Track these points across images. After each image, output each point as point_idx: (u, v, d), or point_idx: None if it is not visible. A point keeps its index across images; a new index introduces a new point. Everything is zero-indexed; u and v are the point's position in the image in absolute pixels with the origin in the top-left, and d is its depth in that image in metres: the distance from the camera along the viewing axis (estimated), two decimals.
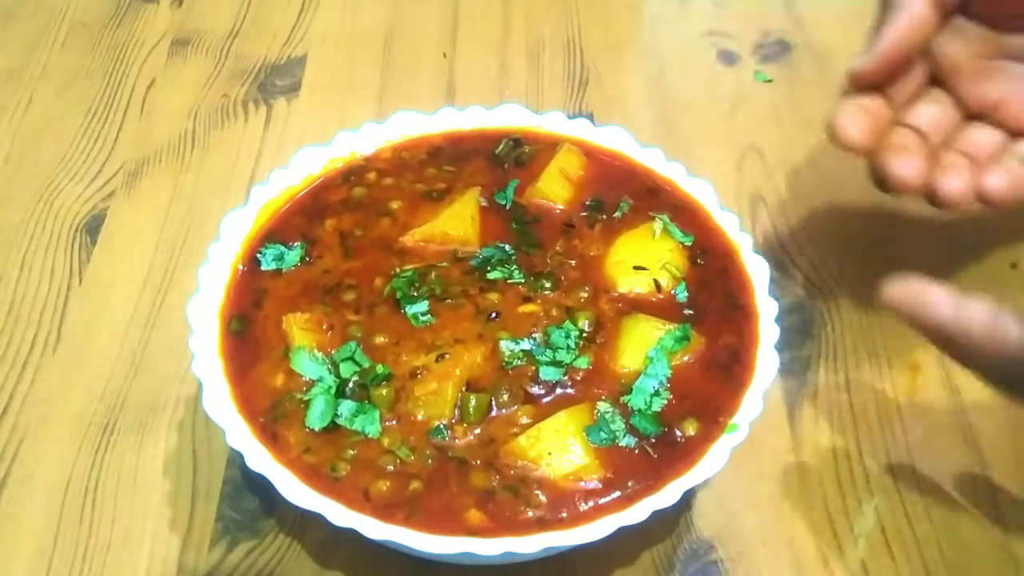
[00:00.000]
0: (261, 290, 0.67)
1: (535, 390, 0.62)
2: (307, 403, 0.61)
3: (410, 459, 0.59)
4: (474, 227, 0.70)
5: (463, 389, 0.61)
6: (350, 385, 0.61)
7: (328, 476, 0.58)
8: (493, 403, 0.61)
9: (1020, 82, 0.70)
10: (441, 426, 0.60)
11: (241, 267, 0.68)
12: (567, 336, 0.63)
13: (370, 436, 0.59)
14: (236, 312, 0.65)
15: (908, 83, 0.72)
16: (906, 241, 0.85)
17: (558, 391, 0.62)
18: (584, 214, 0.72)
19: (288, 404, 0.61)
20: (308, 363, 0.62)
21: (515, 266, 0.67)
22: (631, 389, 0.61)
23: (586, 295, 0.66)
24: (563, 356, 0.63)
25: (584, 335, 0.64)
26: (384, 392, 0.61)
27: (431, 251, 0.69)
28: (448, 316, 0.64)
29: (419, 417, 0.60)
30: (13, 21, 1.08)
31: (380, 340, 0.63)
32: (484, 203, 0.72)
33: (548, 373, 0.62)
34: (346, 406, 0.60)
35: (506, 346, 0.63)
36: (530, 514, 0.56)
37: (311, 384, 0.62)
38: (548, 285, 0.66)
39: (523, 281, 0.66)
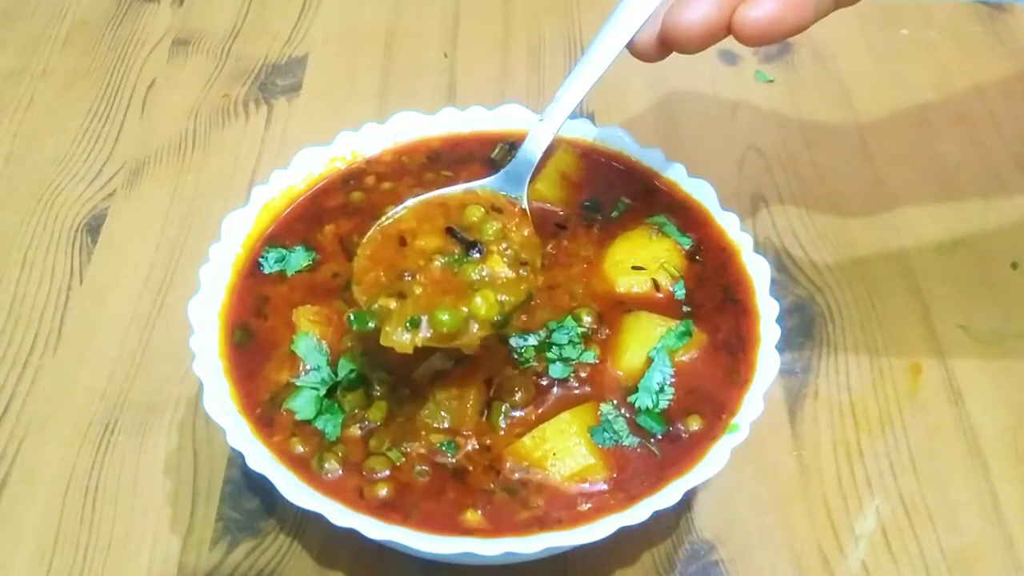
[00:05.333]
0: (264, 296, 0.67)
1: (544, 382, 0.62)
2: (299, 389, 0.61)
3: (401, 462, 0.59)
4: None
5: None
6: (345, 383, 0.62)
7: (316, 469, 0.58)
8: (507, 407, 0.61)
9: None
10: (449, 442, 0.60)
11: (243, 273, 0.68)
12: (568, 332, 0.64)
13: (329, 438, 0.60)
14: (240, 321, 0.65)
15: None
16: (906, 241, 0.85)
17: (562, 389, 0.62)
18: (583, 213, 0.72)
19: (286, 393, 0.62)
20: (309, 348, 0.63)
21: None
22: (636, 388, 0.62)
23: (580, 290, 0.67)
24: (569, 352, 0.63)
25: (587, 331, 0.64)
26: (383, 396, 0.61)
27: None
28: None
29: (444, 424, 0.60)
30: (14, 21, 1.08)
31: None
32: None
33: (557, 370, 0.62)
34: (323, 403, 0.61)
35: (516, 342, 0.63)
36: (531, 514, 0.57)
37: (308, 371, 0.62)
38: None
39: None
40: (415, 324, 0.57)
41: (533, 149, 0.64)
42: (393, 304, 0.58)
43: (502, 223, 0.62)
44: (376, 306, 0.58)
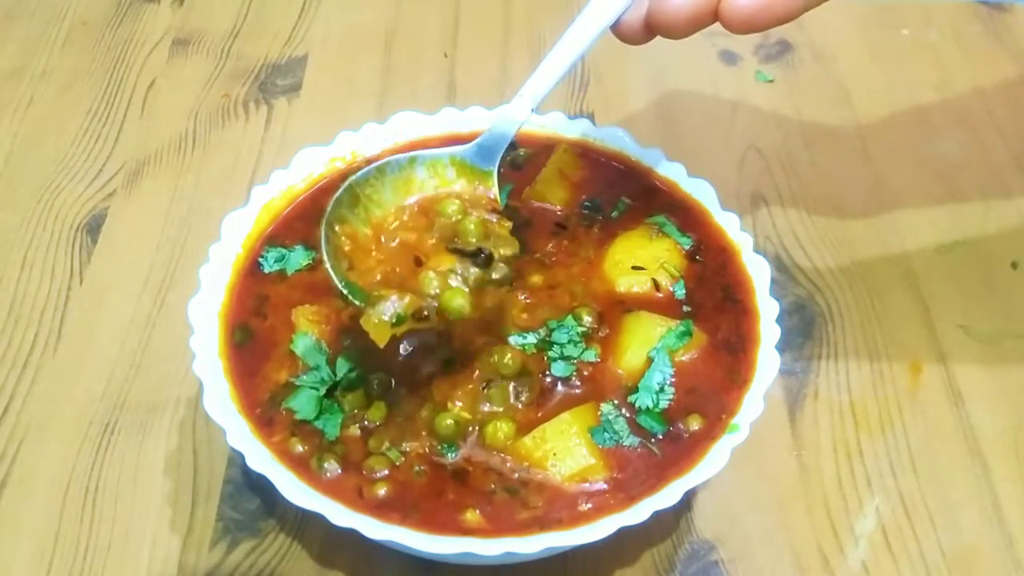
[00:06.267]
0: (264, 296, 0.67)
1: (547, 380, 0.62)
2: (299, 388, 0.61)
3: (401, 461, 0.59)
4: None
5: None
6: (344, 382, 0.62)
7: (315, 469, 0.58)
8: (512, 396, 0.61)
9: None
10: (451, 446, 0.60)
11: (243, 273, 0.68)
12: (568, 331, 0.64)
13: (329, 437, 0.60)
14: (240, 321, 0.65)
15: None
16: (906, 241, 0.85)
17: (564, 388, 0.62)
18: (583, 213, 0.72)
19: (285, 392, 0.62)
20: (309, 348, 0.63)
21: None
22: (637, 388, 0.62)
23: (580, 289, 0.67)
24: (570, 351, 0.63)
25: (587, 330, 0.64)
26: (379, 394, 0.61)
27: None
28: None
29: (447, 422, 0.60)
30: (14, 21, 1.08)
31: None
32: None
33: (559, 368, 0.62)
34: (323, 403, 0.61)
35: (515, 340, 0.63)
36: (531, 514, 0.57)
37: (307, 370, 0.62)
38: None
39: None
40: (400, 321, 0.57)
41: (507, 124, 0.63)
42: (394, 295, 0.58)
43: (480, 216, 0.62)
44: (376, 292, 0.58)
